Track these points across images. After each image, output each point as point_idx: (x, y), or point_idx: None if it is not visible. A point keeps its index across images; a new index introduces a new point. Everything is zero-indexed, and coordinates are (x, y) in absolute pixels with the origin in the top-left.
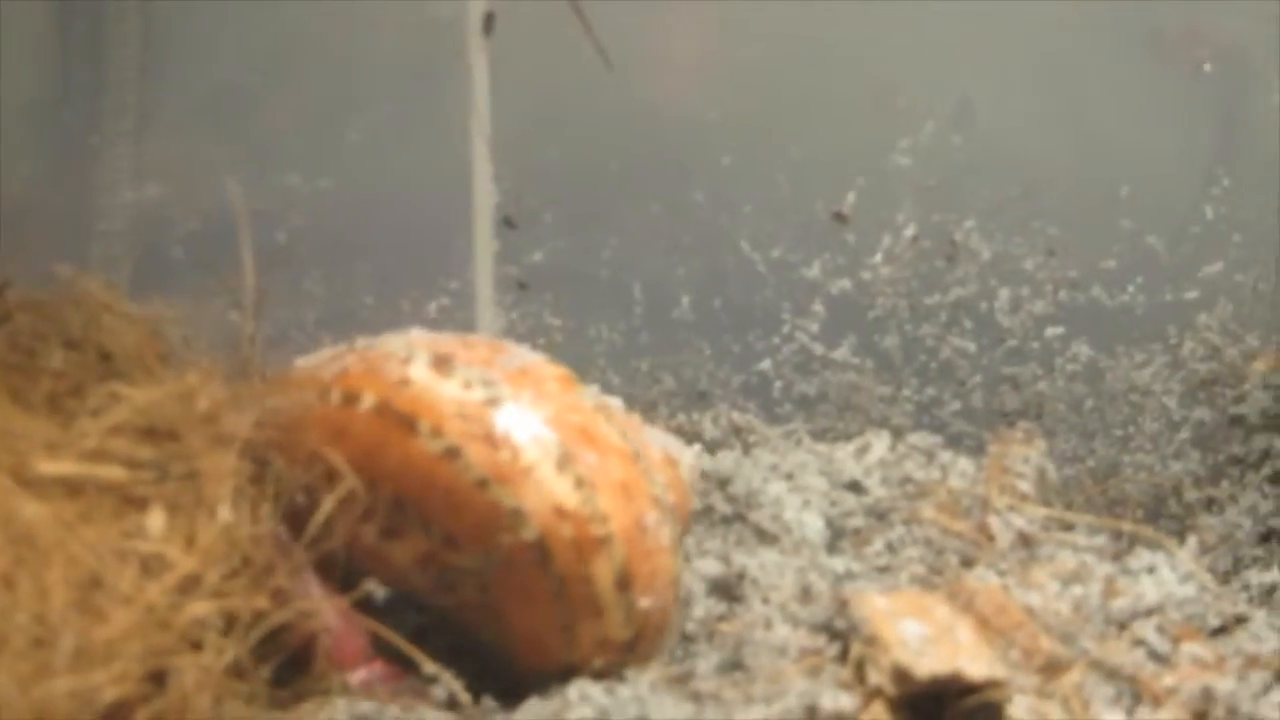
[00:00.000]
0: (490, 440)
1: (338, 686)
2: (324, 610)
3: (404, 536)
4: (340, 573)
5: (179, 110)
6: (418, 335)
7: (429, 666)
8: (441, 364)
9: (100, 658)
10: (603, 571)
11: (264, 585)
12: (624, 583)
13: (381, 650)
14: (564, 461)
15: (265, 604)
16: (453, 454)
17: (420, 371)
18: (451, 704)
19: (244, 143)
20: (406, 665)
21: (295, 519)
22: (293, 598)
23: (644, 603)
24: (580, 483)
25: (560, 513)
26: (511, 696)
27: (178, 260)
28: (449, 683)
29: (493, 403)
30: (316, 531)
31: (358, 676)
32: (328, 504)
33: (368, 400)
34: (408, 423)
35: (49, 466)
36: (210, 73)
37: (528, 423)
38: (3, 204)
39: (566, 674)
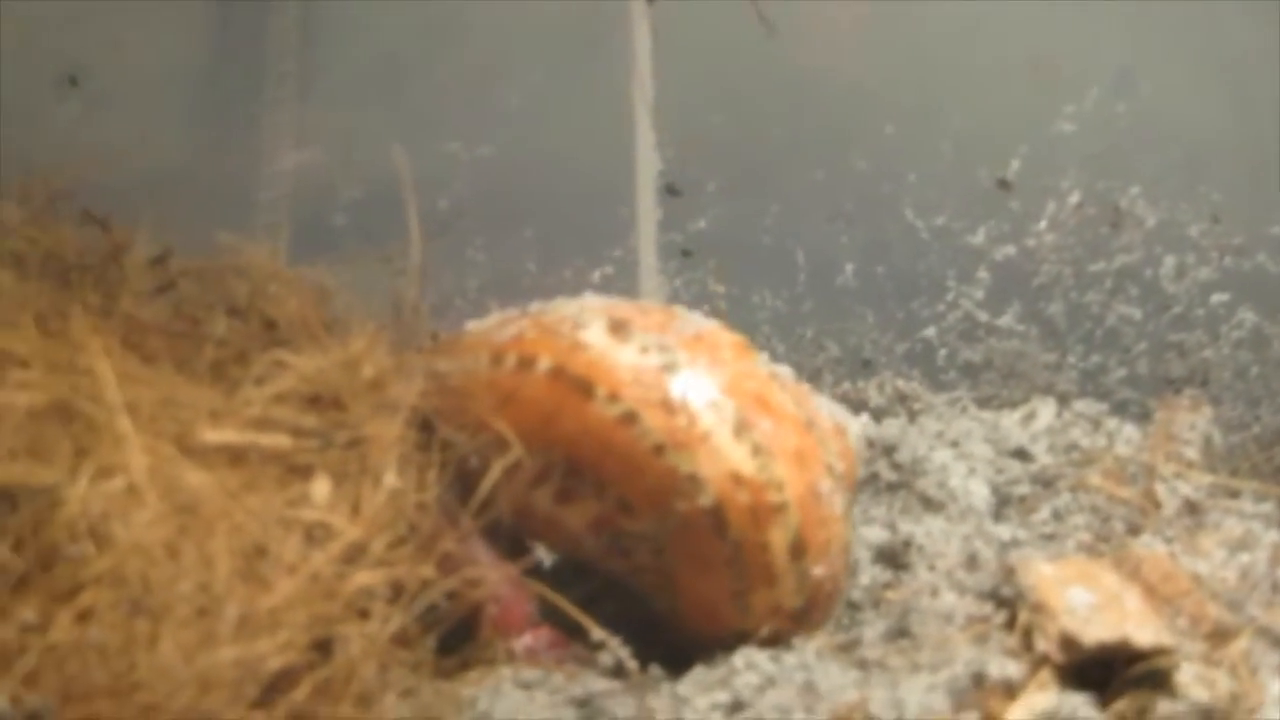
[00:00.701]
0: (667, 406)
1: (503, 654)
2: (490, 576)
3: (578, 501)
4: (509, 538)
5: (340, 77)
6: (592, 300)
7: (597, 633)
8: (618, 329)
9: (265, 627)
10: (778, 539)
11: (430, 553)
12: (798, 550)
13: (548, 618)
14: (740, 428)
15: (431, 572)
16: (629, 419)
17: (597, 336)
18: (618, 671)
19: (405, 110)
20: (573, 633)
21: (468, 484)
22: (459, 565)
23: (817, 571)
24: (757, 450)
25: (737, 479)
26: (677, 664)
27: (340, 227)
28: (616, 649)
29: (669, 368)
30: (486, 497)
31: (522, 643)
32: (495, 471)
33: (543, 364)
34: (584, 387)
35: (213, 435)
36: (371, 39)
37: (704, 389)
38: (165, 173)
39: (736, 641)
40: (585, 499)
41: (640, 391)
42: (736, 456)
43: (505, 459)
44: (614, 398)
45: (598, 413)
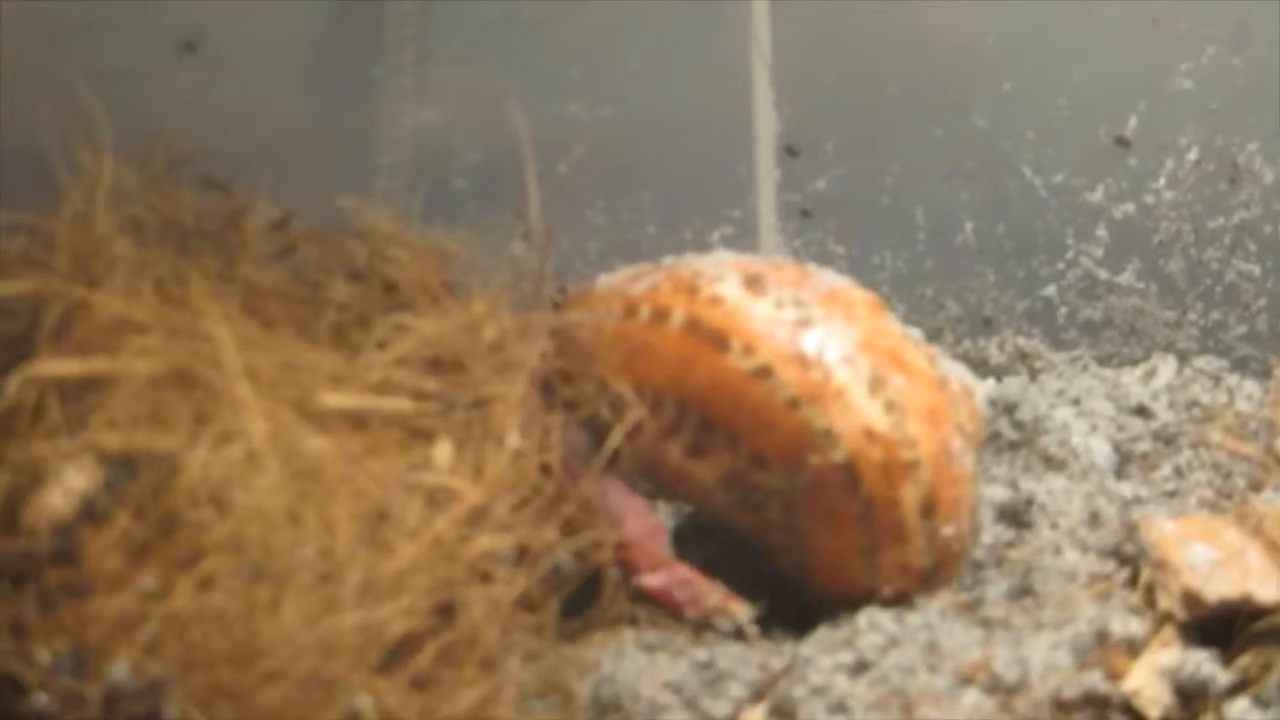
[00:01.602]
0: (802, 361)
1: (627, 607)
2: (623, 515)
3: (710, 455)
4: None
5: (460, 40)
6: (725, 255)
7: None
8: (753, 284)
9: (387, 591)
10: (909, 496)
11: (554, 515)
12: (929, 509)
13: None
14: (875, 385)
15: (554, 535)
16: (764, 373)
17: (732, 290)
18: (740, 632)
19: (525, 72)
20: None
21: (600, 435)
22: (582, 528)
23: (946, 530)
24: (891, 406)
25: (870, 435)
26: (802, 624)
27: (461, 191)
28: (737, 614)
29: (804, 323)
30: (615, 449)
31: (654, 580)
32: (623, 424)
33: (677, 317)
34: (719, 340)
35: (334, 399)
36: (490, 2)
37: (839, 345)
38: (284, 137)
39: (862, 599)
40: (717, 453)
41: (775, 345)
42: (870, 413)
43: (633, 413)
44: (748, 351)
45: (732, 366)
